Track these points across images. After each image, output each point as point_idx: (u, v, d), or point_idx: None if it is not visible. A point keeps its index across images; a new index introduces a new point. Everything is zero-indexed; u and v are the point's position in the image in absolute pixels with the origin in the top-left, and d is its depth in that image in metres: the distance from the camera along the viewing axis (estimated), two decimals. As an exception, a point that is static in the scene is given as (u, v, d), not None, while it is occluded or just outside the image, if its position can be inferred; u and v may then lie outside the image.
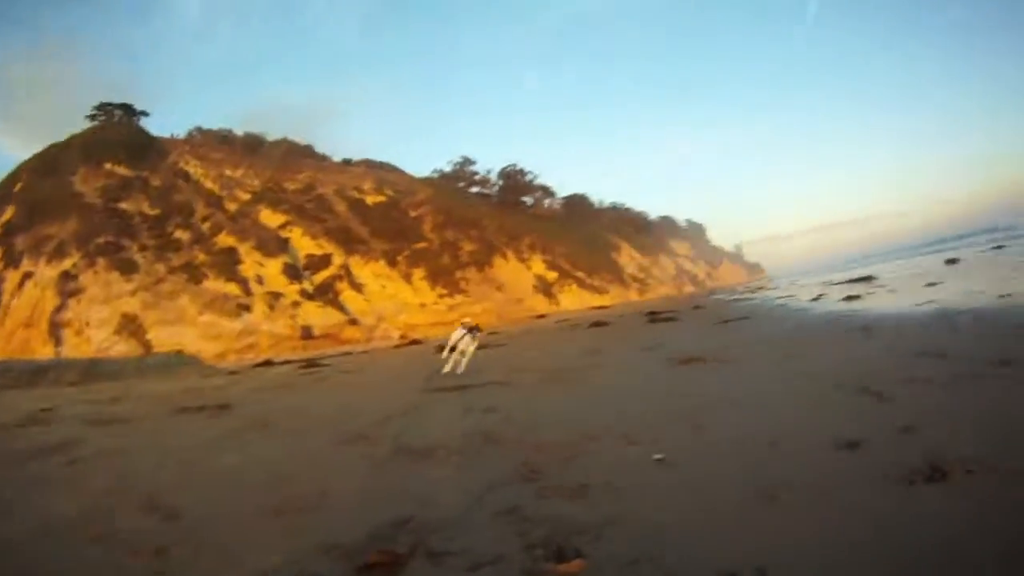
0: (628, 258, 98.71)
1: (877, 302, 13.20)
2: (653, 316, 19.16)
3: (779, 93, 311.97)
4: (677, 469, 3.46)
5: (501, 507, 3.08)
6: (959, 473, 2.76)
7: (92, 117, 69.40)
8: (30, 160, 60.90)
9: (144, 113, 72.96)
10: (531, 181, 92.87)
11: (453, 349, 9.86)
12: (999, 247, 28.37)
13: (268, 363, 24.42)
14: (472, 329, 10.06)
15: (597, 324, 20.03)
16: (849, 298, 15.11)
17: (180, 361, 23.65)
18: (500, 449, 4.35)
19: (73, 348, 40.93)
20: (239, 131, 79.71)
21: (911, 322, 8.63)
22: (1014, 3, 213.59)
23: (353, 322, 48.97)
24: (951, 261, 23.76)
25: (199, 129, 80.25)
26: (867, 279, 22.63)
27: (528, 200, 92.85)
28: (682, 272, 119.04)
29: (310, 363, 17.63)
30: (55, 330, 42.53)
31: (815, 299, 17.98)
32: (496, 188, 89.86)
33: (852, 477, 2.93)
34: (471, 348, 9.94)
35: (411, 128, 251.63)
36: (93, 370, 17.89)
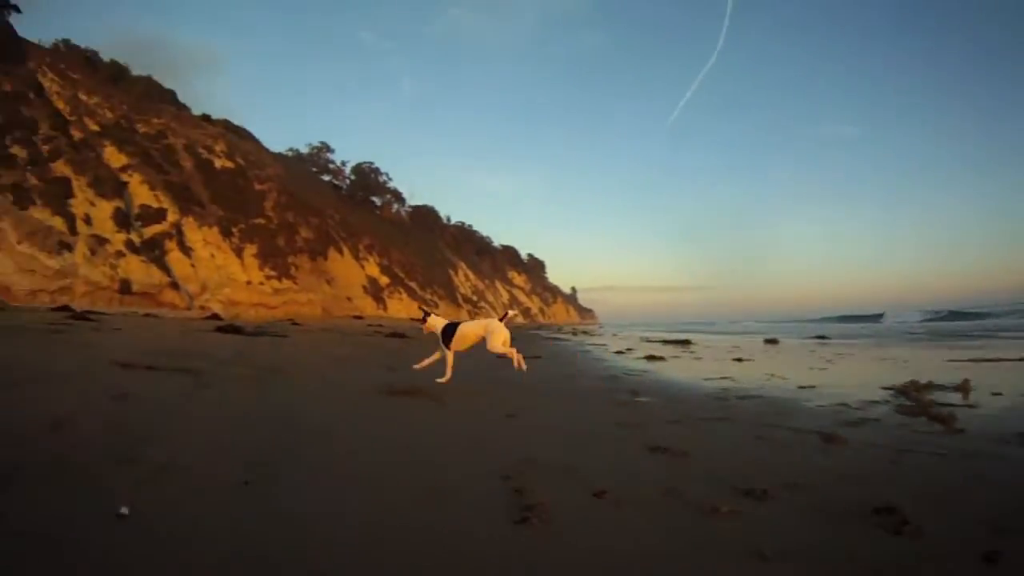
0: (464, 278, 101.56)
1: (674, 368, 12.16)
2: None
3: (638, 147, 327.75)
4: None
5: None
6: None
7: (-45, -4, 63.94)
8: None
9: (16, 8, 67.40)
10: (384, 183, 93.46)
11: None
12: (822, 337, 27.75)
13: (64, 308, 23.59)
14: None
15: (396, 335, 19.46)
16: (651, 358, 14.28)
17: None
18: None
19: None
20: (106, 56, 75.30)
21: (688, 394, 7.79)
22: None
23: (175, 286, 47.30)
24: (770, 341, 23.29)
25: (66, 42, 74.65)
26: (684, 343, 22.00)
27: (377, 201, 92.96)
28: (515, 302, 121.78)
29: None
30: None
31: (621, 352, 17.70)
32: (347, 182, 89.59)
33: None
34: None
35: (276, 99, 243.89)
36: None
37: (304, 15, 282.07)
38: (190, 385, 5.86)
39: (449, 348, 7.43)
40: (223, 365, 7.72)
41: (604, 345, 22.24)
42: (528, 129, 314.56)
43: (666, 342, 22.99)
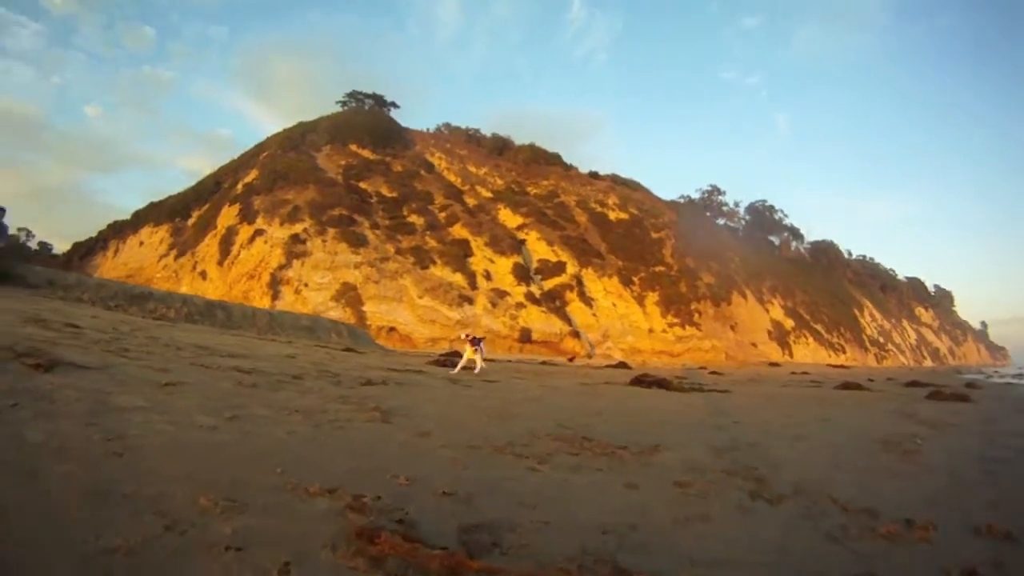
0: (869, 318, 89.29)
1: None
2: (933, 391, 14.11)
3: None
4: None
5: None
6: None
7: (343, 103, 73.55)
8: (279, 133, 67.10)
9: (394, 104, 76.52)
10: (780, 220, 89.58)
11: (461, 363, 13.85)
12: None
13: (453, 354, 25.12)
14: (476, 340, 13.77)
15: (847, 387, 16.22)
16: None
17: (330, 328, 23.72)
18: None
19: (289, 304, 43.10)
20: (487, 132, 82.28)
21: None
22: None
23: (575, 334, 47.25)
24: None
25: (447, 125, 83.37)
26: None
27: (775, 240, 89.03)
28: (923, 343, 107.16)
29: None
30: (275, 285, 45.69)
31: None
32: (743, 223, 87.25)
33: None
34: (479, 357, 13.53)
35: (657, 151, 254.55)
36: (209, 311, 18.09)
37: (662, 66, 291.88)
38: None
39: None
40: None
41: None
42: (913, 142, 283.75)
43: None
